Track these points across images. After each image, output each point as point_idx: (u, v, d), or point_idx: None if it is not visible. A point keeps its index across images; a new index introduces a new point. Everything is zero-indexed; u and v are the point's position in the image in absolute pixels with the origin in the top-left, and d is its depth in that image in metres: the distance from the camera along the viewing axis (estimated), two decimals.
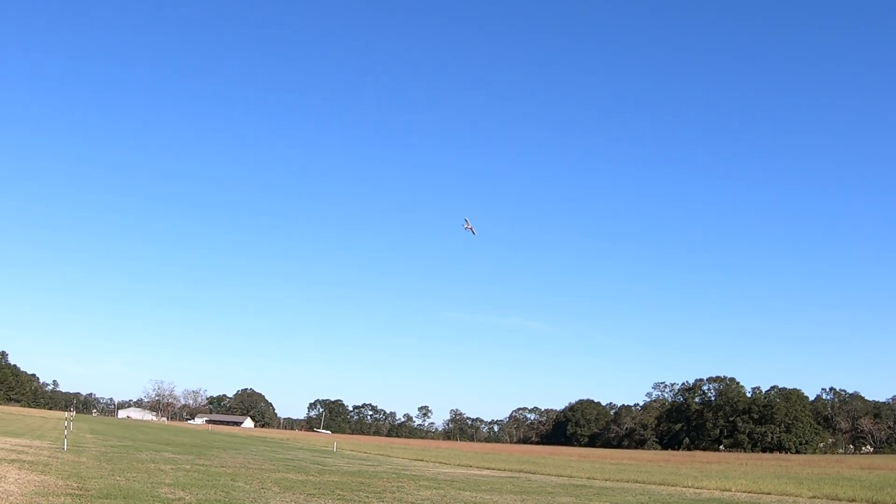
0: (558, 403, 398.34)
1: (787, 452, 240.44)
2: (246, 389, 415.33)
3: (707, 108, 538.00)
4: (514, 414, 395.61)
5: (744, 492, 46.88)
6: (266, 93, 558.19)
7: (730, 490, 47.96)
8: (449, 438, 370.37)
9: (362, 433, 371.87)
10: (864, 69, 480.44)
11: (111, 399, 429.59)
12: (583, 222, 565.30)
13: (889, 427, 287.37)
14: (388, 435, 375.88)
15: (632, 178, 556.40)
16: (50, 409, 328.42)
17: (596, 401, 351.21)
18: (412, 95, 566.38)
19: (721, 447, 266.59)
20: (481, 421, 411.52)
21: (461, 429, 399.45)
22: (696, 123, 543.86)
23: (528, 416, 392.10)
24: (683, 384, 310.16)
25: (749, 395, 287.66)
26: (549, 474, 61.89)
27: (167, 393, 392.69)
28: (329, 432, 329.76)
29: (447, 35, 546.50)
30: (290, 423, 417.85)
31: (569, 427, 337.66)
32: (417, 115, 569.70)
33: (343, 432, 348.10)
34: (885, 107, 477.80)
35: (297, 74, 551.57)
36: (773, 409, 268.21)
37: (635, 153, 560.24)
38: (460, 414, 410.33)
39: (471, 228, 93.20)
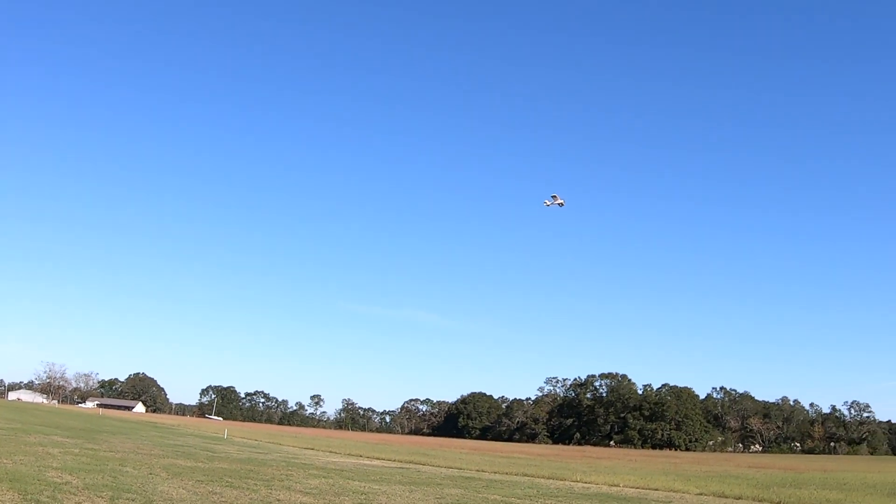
0: (451, 395, 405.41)
1: (677, 450, 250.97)
2: (138, 374, 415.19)
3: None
4: (406, 405, 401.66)
5: (632, 487, 49.50)
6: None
7: (618, 485, 50.52)
8: (341, 428, 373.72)
9: (254, 421, 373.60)
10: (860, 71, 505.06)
11: (1, 381, 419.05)
12: (479, 215, 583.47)
13: (778, 427, 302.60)
14: (280, 423, 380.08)
15: (526, 169, 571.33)
16: None
17: (488, 394, 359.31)
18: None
19: (612, 443, 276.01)
20: (373, 411, 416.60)
21: (353, 418, 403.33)
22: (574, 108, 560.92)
23: (421, 407, 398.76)
24: (575, 380, 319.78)
25: (640, 392, 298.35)
26: (439, 466, 63.95)
27: (58, 376, 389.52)
28: (220, 419, 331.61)
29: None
30: (182, 409, 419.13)
31: (461, 419, 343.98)
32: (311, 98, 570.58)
33: (235, 419, 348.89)
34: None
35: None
36: (663, 406, 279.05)
37: (527, 144, 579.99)
38: (352, 404, 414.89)
39: (559, 202, 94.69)
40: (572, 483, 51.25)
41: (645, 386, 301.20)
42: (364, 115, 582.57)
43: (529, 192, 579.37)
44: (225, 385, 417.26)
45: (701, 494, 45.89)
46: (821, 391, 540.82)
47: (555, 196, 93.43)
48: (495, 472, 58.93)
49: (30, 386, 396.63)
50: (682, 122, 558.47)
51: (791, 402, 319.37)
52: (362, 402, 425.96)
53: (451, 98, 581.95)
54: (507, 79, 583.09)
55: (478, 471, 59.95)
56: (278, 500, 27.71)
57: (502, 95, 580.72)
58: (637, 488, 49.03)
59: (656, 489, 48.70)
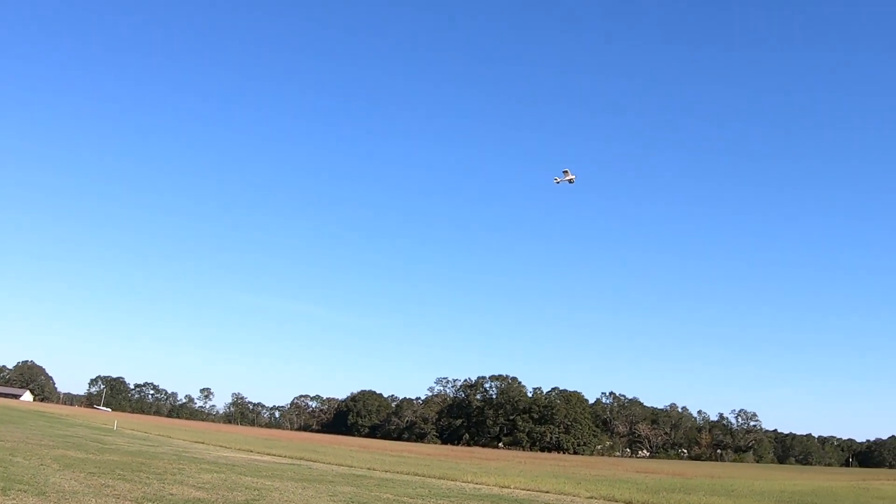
0: (341, 393, 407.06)
1: (565, 453, 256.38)
2: (26, 362, 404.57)
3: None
4: (296, 401, 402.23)
5: (522, 489, 51.04)
6: None
7: (509, 487, 52.00)
8: (230, 422, 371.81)
9: (143, 412, 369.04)
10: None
11: None
12: (375, 212, 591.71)
13: (666, 433, 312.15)
14: (169, 416, 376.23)
15: (421, 159, 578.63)
16: None
17: (378, 392, 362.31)
18: None
19: (500, 444, 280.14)
20: (263, 406, 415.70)
21: (242, 413, 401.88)
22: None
23: (310, 403, 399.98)
24: (466, 381, 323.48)
25: (530, 395, 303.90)
26: (330, 463, 64.71)
27: None
28: (109, 410, 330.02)
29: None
30: (71, 399, 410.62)
31: (350, 417, 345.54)
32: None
33: (124, 411, 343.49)
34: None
35: None
36: (553, 409, 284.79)
37: (412, 132, 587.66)
38: (242, 398, 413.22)
39: (569, 179, 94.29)
40: (463, 483, 52.48)
41: (535, 389, 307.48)
42: (255, 111, 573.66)
43: (429, 186, 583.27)
44: (114, 376, 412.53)
45: (591, 498, 47.63)
46: (709, 399, 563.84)
47: (566, 171, 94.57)
48: (386, 471, 59.98)
49: None
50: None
51: (679, 409, 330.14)
52: (252, 397, 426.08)
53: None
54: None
55: (369, 469, 60.91)
56: (171, 495, 28.12)
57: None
58: (528, 490, 50.44)
59: (547, 491, 50.20)
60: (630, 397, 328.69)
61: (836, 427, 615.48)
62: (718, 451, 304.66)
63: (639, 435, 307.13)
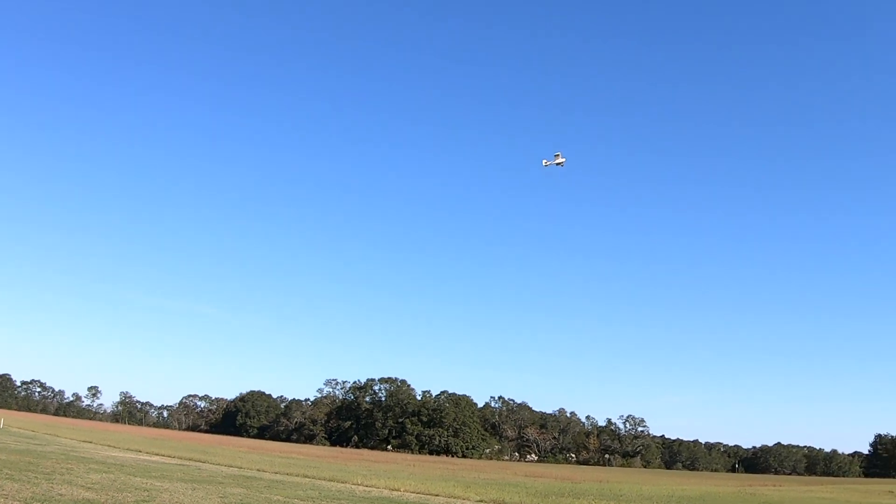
0: (230, 393, 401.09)
1: (454, 456, 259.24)
2: None
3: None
4: (184, 400, 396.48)
5: (413, 492, 52.36)
6: None
7: (399, 490, 53.29)
8: (118, 421, 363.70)
9: (30, 410, 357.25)
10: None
11: None
12: (264, 210, 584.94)
13: (554, 437, 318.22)
14: (56, 414, 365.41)
15: (319, 162, 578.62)
16: None
17: (267, 393, 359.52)
18: None
19: (389, 447, 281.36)
20: (151, 405, 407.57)
21: (130, 412, 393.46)
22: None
23: (199, 403, 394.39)
24: (355, 383, 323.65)
25: (419, 398, 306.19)
26: (219, 464, 65.00)
27: None
28: None
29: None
30: None
31: (239, 417, 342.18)
32: None
33: (10, 408, 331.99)
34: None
35: None
36: (442, 413, 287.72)
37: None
38: (130, 397, 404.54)
39: (558, 162, 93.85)
40: (353, 486, 53.58)
41: (424, 392, 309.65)
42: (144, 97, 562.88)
43: (313, 184, 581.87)
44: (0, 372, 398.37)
45: (481, 501, 49.26)
46: (597, 405, 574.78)
47: (557, 155, 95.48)
48: (276, 473, 60.68)
49: None
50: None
51: (568, 414, 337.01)
52: (140, 396, 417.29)
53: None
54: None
55: (258, 470, 61.52)
56: (60, 495, 28.45)
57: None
58: (418, 493, 51.75)
59: (437, 495, 51.63)
60: (519, 402, 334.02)
61: (723, 434, 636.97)
62: (606, 455, 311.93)
63: (527, 439, 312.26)
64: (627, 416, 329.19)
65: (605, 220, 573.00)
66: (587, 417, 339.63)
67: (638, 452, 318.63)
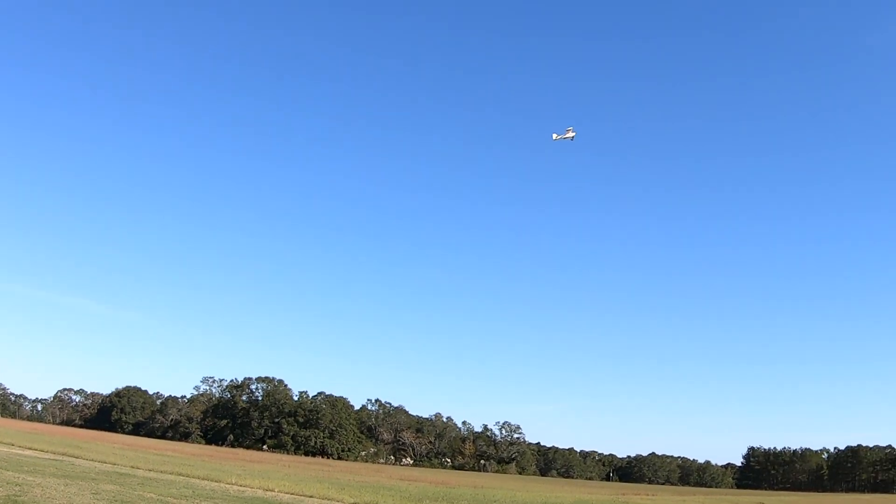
0: (106, 387, 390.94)
1: (329, 458, 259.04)
2: None
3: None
4: (59, 394, 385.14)
5: (287, 493, 53.08)
6: None
7: (273, 490, 53.95)
8: None
9: None
10: None
11: None
12: (145, 204, 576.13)
13: (430, 442, 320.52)
14: None
15: (201, 165, 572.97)
16: None
17: (143, 389, 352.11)
18: None
19: (265, 447, 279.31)
20: (25, 398, 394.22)
21: (3, 405, 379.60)
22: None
23: (74, 397, 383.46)
24: (232, 381, 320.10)
25: (296, 398, 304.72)
26: (93, 460, 64.40)
27: None
28: None
29: None
30: None
31: (114, 413, 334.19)
32: None
33: None
34: None
35: None
36: (318, 414, 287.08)
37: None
38: (3, 389, 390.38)
39: (569, 136, 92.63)
40: (227, 485, 53.99)
41: (301, 392, 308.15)
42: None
43: (204, 178, 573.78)
44: None
45: (355, 503, 50.31)
46: (474, 410, 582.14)
47: (569, 129, 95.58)
48: (150, 470, 60.54)
49: None
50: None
51: (444, 419, 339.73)
52: (14, 388, 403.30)
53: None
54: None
55: (132, 467, 61.27)
56: None
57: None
58: (292, 494, 52.50)
59: (311, 496, 52.49)
60: (396, 405, 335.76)
61: (599, 442, 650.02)
62: (482, 461, 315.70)
63: (403, 443, 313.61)
64: (504, 423, 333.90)
65: (478, 221, 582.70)
66: (463, 423, 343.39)
67: (513, 459, 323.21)
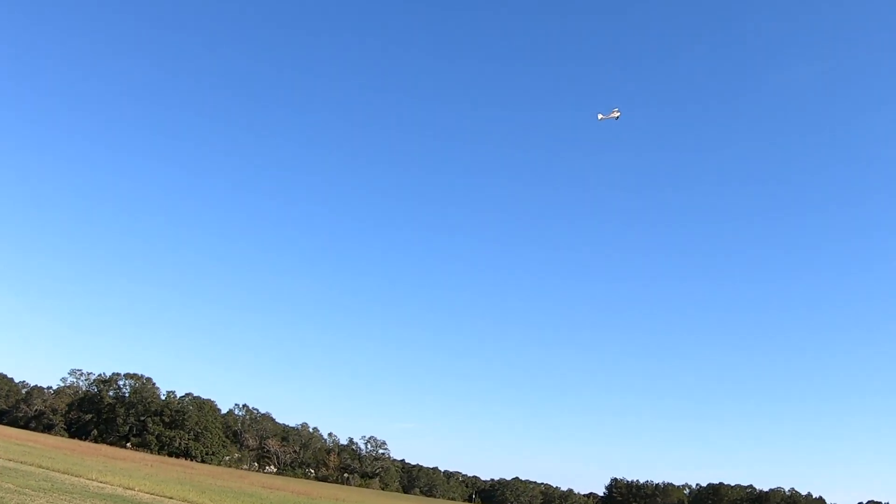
0: None
1: (193, 460, 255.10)
2: None
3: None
4: None
5: (147, 493, 52.83)
6: None
7: (133, 489, 53.61)
8: None
9: None
10: None
11: None
12: (15, 189, 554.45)
13: (295, 451, 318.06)
14: None
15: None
16: None
17: (9, 376, 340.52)
18: None
19: (129, 444, 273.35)
20: None
21: None
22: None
23: None
24: (100, 375, 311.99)
25: (163, 397, 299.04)
26: None
27: None
28: None
29: None
30: None
31: None
32: None
33: None
34: None
35: None
36: (184, 415, 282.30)
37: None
38: None
39: (614, 115, 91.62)
40: (88, 481, 53.40)
41: (169, 392, 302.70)
42: None
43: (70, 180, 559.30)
44: None
45: None
46: (341, 423, 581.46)
47: (615, 110, 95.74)
48: (10, 460, 59.35)
49: None
50: None
51: (311, 429, 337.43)
52: None
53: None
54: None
55: None
56: None
57: None
58: (152, 494, 52.31)
59: (171, 497, 52.40)
60: (263, 412, 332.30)
61: (464, 464, 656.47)
62: (346, 474, 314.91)
63: (268, 450, 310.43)
64: (370, 438, 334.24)
65: (343, 229, 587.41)
66: (329, 434, 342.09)
67: (377, 474, 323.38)
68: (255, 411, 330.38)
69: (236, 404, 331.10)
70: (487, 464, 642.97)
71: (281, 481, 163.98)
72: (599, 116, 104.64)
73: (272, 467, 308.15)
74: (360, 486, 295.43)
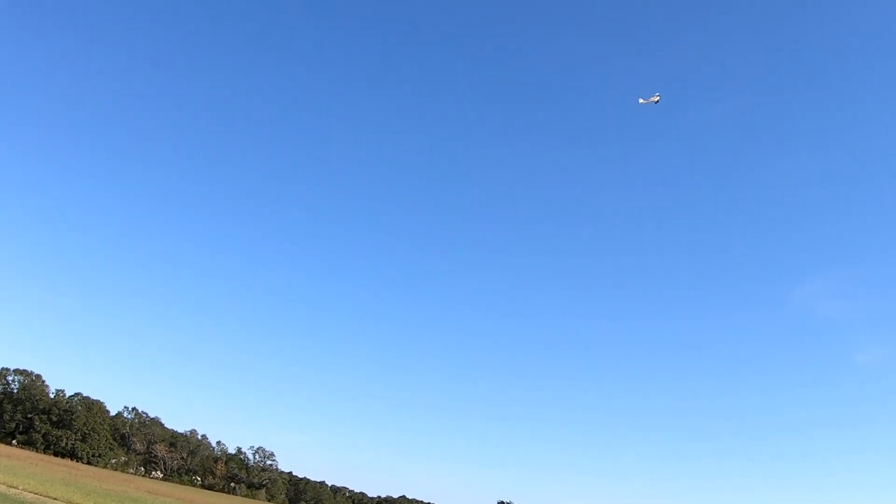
0: None
1: (79, 461, 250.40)
2: None
3: None
4: None
5: (31, 492, 52.96)
6: None
7: (16, 488, 53.64)
8: None
9: None
10: None
11: None
12: None
13: (182, 458, 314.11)
14: None
15: None
16: None
17: None
18: None
19: (14, 442, 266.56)
20: None
21: None
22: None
23: None
24: None
25: (52, 396, 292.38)
26: None
27: None
28: None
29: None
30: None
31: None
32: None
33: None
34: None
35: None
36: (73, 415, 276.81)
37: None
38: None
39: (654, 100, 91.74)
40: None
41: (58, 391, 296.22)
42: None
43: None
44: None
45: None
46: (230, 432, 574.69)
47: (656, 94, 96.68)
48: None
49: None
50: None
51: (199, 437, 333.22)
52: None
53: None
54: None
55: None
56: None
57: None
58: (36, 494, 52.48)
59: (56, 498, 52.63)
60: (152, 416, 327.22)
61: (351, 479, 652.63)
62: (232, 484, 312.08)
63: (155, 455, 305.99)
64: (258, 448, 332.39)
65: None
66: (218, 443, 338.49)
67: (264, 485, 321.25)
68: (145, 415, 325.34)
69: (126, 407, 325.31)
70: (375, 480, 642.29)
71: (167, 487, 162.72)
72: (640, 101, 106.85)
73: (158, 473, 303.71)
74: (246, 496, 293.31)
